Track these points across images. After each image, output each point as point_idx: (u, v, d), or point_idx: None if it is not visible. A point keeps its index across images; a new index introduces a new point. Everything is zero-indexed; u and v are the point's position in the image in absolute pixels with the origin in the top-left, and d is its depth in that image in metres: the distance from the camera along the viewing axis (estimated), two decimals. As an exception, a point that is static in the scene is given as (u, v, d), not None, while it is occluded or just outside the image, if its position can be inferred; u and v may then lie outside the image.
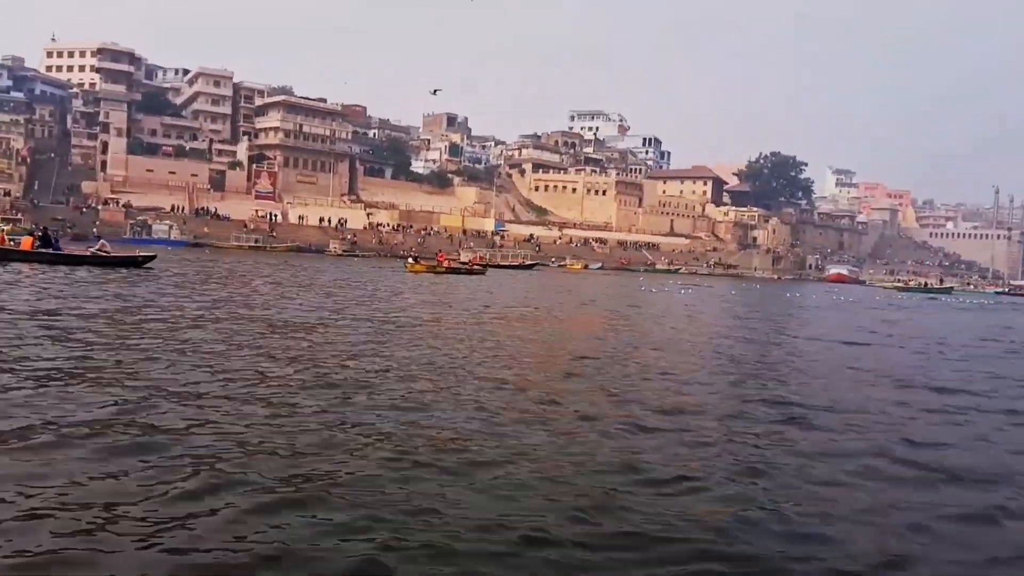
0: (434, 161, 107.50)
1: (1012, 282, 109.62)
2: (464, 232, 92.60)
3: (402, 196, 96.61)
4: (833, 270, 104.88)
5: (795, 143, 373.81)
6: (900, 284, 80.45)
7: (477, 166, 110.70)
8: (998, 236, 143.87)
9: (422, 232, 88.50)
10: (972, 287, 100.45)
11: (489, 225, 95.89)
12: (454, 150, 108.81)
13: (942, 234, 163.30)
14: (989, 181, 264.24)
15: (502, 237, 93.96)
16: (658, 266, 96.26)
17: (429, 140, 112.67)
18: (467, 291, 27.53)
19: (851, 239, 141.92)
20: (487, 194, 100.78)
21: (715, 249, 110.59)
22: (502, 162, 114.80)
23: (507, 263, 62.88)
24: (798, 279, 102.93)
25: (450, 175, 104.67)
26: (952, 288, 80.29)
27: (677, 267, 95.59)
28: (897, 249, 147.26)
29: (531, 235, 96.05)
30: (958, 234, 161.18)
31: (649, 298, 33.21)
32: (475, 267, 52.63)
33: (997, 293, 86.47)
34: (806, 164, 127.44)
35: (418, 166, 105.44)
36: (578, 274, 72.02)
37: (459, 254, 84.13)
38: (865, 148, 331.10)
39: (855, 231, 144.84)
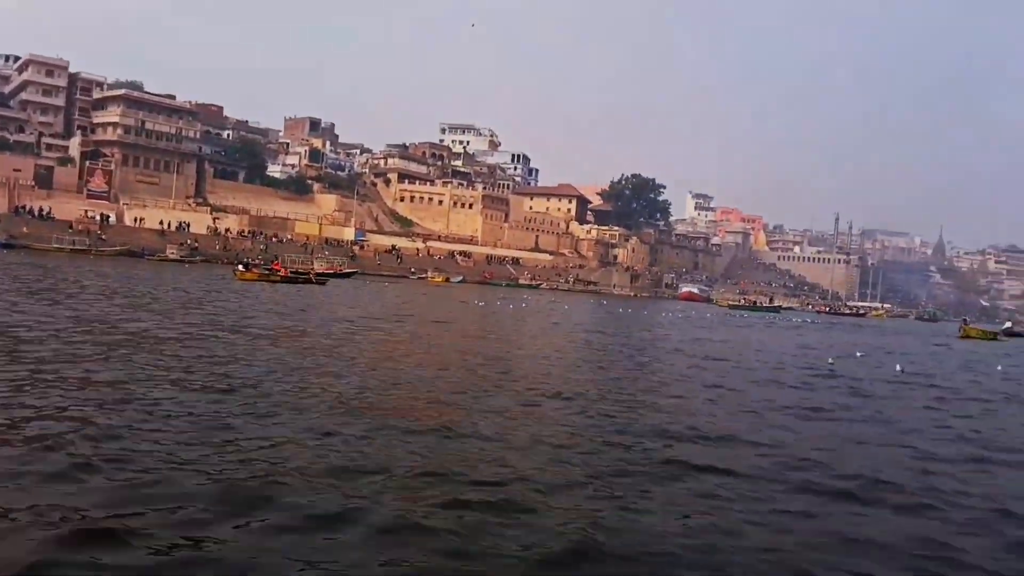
0: (293, 166, 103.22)
1: (832, 303, 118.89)
2: (322, 241, 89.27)
3: (256, 201, 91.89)
4: (684, 288, 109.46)
5: (657, 168, 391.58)
6: (733, 303, 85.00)
7: (340, 173, 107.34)
8: (837, 260, 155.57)
9: (272, 239, 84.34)
10: (811, 307, 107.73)
11: (349, 234, 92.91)
12: (315, 155, 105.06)
13: (789, 257, 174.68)
14: (834, 209, 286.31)
15: (362, 247, 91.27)
16: (521, 281, 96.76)
17: (288, 144, 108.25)
18: (295, 302, 25.55)
19: (705, 260, 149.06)
20: (348, 202, 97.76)
21: (581, 267, 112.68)
22: (367, 171, 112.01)
23: (326, 271, 59.01)
24: (654, 296, 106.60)
25: (309, 181, 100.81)
26: (780, 308, 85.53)
27: (538, 283, 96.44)
28: (748, 270, 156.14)
29: (393, 246, 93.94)
30: (804, 257, 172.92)
31: (475, 312, 32.36)
32: (316, 276, 50.24)
33: (818, 312, 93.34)
34: (664, 187, 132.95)
35: (275, 171, 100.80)
36: (439, 287, 70.96)
37: (312, 263, 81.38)
38: (723, 174, 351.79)
39: (709, 252, 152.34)
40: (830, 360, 18.80)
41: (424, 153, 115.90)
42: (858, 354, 21.81)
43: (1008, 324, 79.98)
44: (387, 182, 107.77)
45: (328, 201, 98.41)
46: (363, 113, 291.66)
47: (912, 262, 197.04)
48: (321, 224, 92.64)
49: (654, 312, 51.90)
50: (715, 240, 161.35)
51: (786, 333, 37.55)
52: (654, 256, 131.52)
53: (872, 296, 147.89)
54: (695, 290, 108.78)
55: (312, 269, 54.73)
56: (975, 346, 40.25)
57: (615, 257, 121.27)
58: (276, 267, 50.00)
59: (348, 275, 61.69)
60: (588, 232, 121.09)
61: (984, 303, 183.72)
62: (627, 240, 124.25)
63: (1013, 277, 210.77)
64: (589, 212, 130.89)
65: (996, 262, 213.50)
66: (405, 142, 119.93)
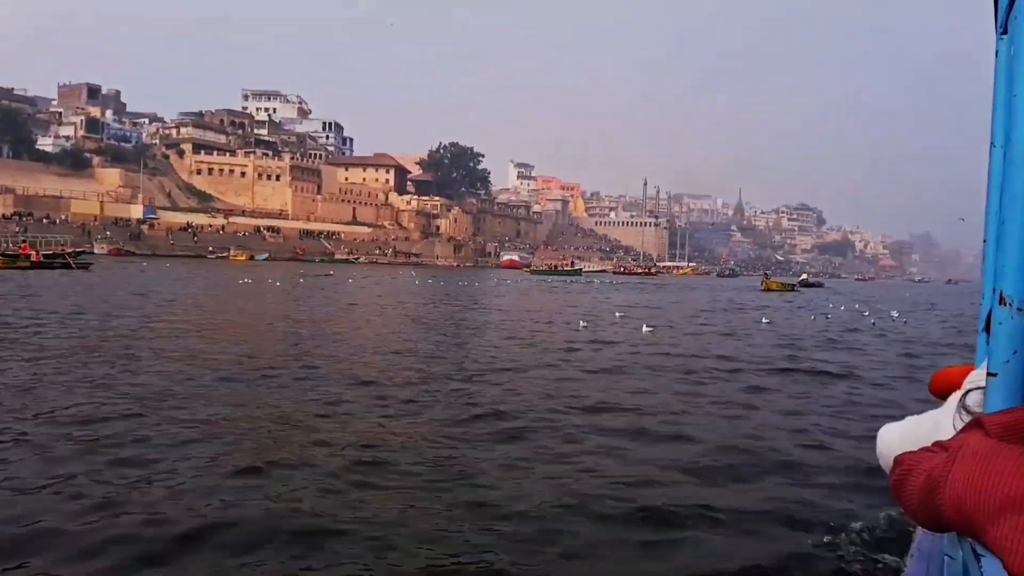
0: (67, 138, 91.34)
1: (644, 263, 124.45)
2: (105, 221, 79.72)
3: (23, 179, 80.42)
4: (506, 257, 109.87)
5: (478, 136, 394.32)
6: (535, 269, 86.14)
7: (125, 145, 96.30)
8: (647, 224, 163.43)
9: (43, 220, 74.01)
10: (623, 269, 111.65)
11: (136, 212, 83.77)
12: (92, 125, 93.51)
13: (606, 222, 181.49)
14: (649, 175, 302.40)
15: (151, 225, 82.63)
16: (337, 256, 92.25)
17: (61, 113, 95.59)
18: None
19: (528, 227, 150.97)
20: (135, 177, 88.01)
21: (406, 239, 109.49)
22: (157, 141, 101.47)
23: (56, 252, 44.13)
24: (476, 266, 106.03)
25: (88, 155, 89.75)
26: (581, 270, 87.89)
27: (356, 257, 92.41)
28: (568, 236, 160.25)
29: (188, 223, 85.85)
30: (619, 222, 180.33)
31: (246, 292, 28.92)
32: (78, 260, 43.80)
33: (614, 273, 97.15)
34: (483, 155, 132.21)
35: (46, 144, 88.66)
36: (241, 266, 65.32)
37: (92, 245, 72.35)
38: (544, 143, 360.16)
39: (531, 220, 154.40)
40: (582, 324, 17.77)
41: (222, 121, 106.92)
42: (618, 315, 21.17)
43: (804, 276, 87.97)
44: (180, 153, 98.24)
45: (111, 176, 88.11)
46: (157, 80, 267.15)
47: (715, 223, 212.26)
48: (103, 202, 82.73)
49: (471, 281, 50.47)
50: (536, 208, 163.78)
51: (562, 296, 37.34)
52: (477, 226, 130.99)
53: (680, 256, 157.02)
54: (516, 258, 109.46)
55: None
56: (767, 297, 42.44)
57: (437, 228, 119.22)
58: (24, 251, 42.96)
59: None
60: (408, 203, 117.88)
61: (779, 258, 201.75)
62: (449, 210, 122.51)
63: (804, 233, 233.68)
64: (409, 183, 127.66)
65: (789, 220, 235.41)
66: (201, 110, 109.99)
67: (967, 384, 1.38)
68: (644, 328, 16.32)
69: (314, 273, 50.34)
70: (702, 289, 54.37)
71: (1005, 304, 1.05)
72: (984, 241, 1.34)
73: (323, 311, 19.88)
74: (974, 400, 1.30)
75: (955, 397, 1.40)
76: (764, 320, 21.73)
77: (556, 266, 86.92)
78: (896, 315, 27.19)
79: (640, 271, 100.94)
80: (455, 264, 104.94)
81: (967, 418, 1.28)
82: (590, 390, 8.76)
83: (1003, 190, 1.06)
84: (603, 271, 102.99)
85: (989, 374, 1.12)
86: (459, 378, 9.29)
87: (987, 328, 1.24)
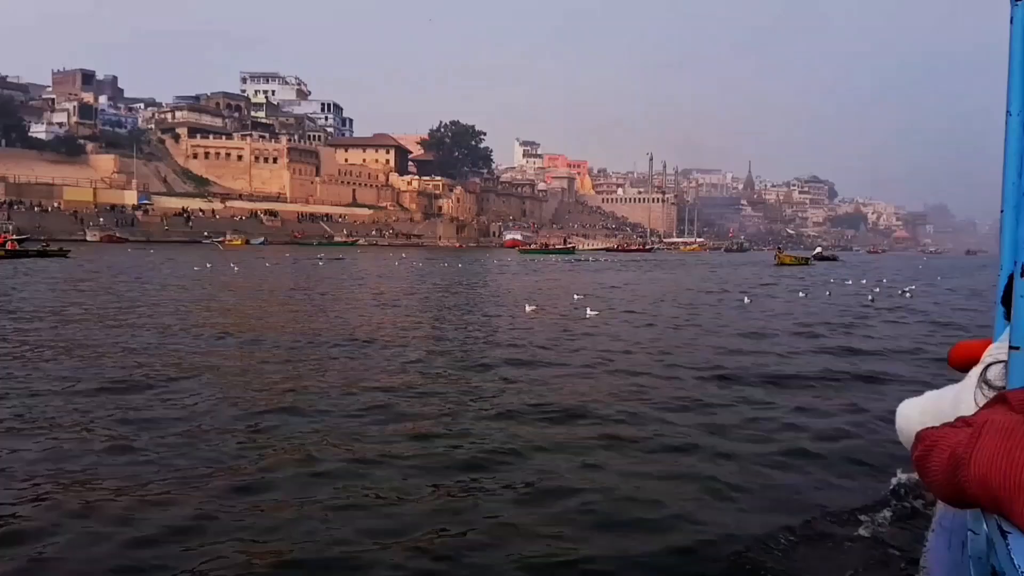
0: (61, 125, 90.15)
1: (648, 240, 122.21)
2: (99, 207, 78.74)
3: (15, 166, 79.34)
4: (509, 236, 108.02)
5: (482, 116, 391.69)
6: (524, 248, 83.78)
7: (119, 131, 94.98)
8: (653, 199, 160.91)
9: (35, 208, 73.12)
10: (629, 245, 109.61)
11: (131, 198, 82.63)
12: (86, 111, 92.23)
13: (613, 199, 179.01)
14: (656, 152, 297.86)
15: (146, 212, 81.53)
16: (337, 238, 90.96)
17: (54, 100, 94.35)
18: None
19: (532, 206, 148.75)
20: (130, 163, 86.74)
21: (408, 220, 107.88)
22: (153, 126, 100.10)
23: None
24: (479, 246, 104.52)
25: (82, 141, 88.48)
26: (574, 248, 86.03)
27: (355, 239, 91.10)
28: (574, 214, 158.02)
29: (183, 208, 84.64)
30: (626, 199, 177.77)
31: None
32: (53, 248, 42.72)
33: (607, 251, 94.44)
34: (484, 133, 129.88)
35: (39, 131, 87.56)
36: (236, 250, 64.19)
37: (85, 233, 71.51)
38: (552, 122, 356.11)
39: (536, 199, 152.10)
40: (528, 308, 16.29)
41: (218, 104, 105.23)
42: (575, 297, 19.64)
43: (819, 249, 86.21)
44: (176, 138, 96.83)
45: (105, 163, 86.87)
46: (156, 66, 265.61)
47: (724, 197, 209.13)
48: (96, 189, 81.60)
49: (463, 263, 49.04)
50: (541, 186, 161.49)
51: (544, 275, 35.89)
52: (481, 205, 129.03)
53: (689, 232, 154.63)
54: (519, 237, 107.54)
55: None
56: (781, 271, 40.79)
57: (440, 208, 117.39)
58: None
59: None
60: (409, 183, 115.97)
61: (790, 231, 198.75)
62: (451, 190, 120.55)
63: (815, 206, 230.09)
64: (411, 163, 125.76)
65: (800, 193, 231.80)
66: (197, 94, 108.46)
67: (987, 357, 1.35)
68: (588, 311, 14.61)
69: (307, 257, 49.02)
70: (703, 265, 52.64)
71: None
72: (1001, 211, 1.29)
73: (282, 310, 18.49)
74: (995, 373, 1.25)
75: (976, 371, 1.36)
76: (746, 300, 20.07)
77: (547, 245, 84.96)
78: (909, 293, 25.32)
79: (635, 248, 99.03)
80: (458, 245, 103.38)
81: (989, 392, 1.24)
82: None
83: (1021, 159, 1.03)
84: (599, 249, 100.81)
85: (1012, 347, 1.07)
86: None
87: (1004, 300, 1.18)
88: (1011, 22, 1.32)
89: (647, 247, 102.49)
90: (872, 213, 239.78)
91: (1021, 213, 1.01)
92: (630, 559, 3.71)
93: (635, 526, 4.12)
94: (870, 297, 21.86)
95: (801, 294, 23.07)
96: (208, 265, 33.50)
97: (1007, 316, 1.09)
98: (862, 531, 4.06)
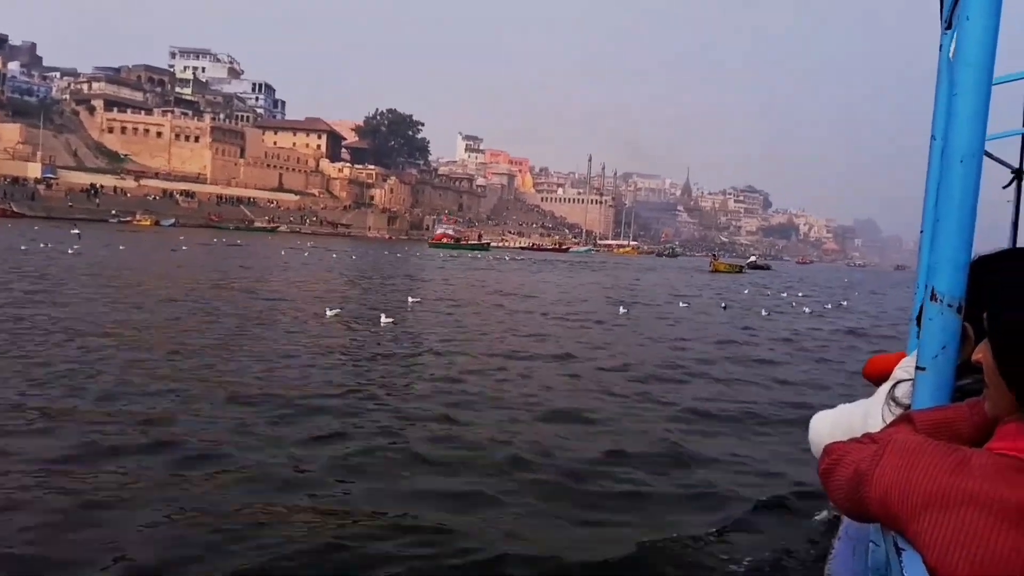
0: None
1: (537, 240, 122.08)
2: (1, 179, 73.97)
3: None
4: (439, 230, 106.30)
5: (426, 107, 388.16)
6: (434, 243, 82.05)
7: (28, 99, 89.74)
8: (591, 201, 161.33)
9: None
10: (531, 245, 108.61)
11: (34, 171, 78.00)
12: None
13: (553, 199, 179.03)
14: (596, 155, 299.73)
15: (49, 185, 77.05)
16: (257, 224, 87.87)
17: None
18: None
19: (470, 201, 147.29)
20: (37, 134, 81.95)
21: (341, 208, 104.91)
22: (67, 96, 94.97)
23: None
24: (409, 239, 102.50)
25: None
26: (488, 245, 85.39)
27: (275, 226, 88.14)
28: (512, 212, 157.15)
29: (91, 184, 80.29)
30: (566, 199, 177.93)
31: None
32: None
33: (521, 249, 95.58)
34: (423, 124, 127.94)
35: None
36: (143, 232, 60.97)
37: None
38: (495, 117, 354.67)
39: (474, 193, 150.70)
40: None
41: (140, 78, 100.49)
42: (410, 300, 18.40)
43: (752, 258, 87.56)
44: (91, 110, 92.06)
45: (10, 132, 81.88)
46: (81, 35, 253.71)
47: (662, 202, 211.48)
48: (-4, 160, 76.73)
49: (371, 255, 47.42)
50: (480, 181, 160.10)
51: (465, 269, 34.76)
52: (416, 198, 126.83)
53: (626, 235, 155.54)
54: (450, 231, 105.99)
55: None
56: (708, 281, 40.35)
57: (372, 198, 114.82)
58: None
59: None
60: (341, 171, 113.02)
61: (724, 239, 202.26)
62: (385, 180, 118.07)
63: (749, 215, 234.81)
64: (344, 150, 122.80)
65: (735, 201, 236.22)
66: (118, 66, 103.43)
67: (895, 375, 1.38)
68: (383, 319, 13.12)
69: (203, 242, 46.46)
70: (623, 268, 52.08)
71: (936, 300, 1.05)
72: (921, 232, 1.28)
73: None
74: (903, 391, 1.27)
75: (885, 387, 1.40)
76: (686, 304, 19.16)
77: (457, 239, 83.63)
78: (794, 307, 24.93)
79: (551, 248, 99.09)
80: (388, 237, 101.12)
81: (896, 409, 1.28)
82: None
83: (939, 187, 1.04)
84: (516, 248, 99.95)
85: (918, 368, 1.10)
86: None
87: (919, 320, 1.20)
88: (939, 48, 1.32)
89: (563, 247, 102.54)
90: (804, 224, 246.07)
91: (936, 239, 1.04)
92: None
93: None
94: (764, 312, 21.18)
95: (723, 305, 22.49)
96: (76, 247, 30.95)
97: (920, 336, 1.11)
98: (769, 536, 4.24)
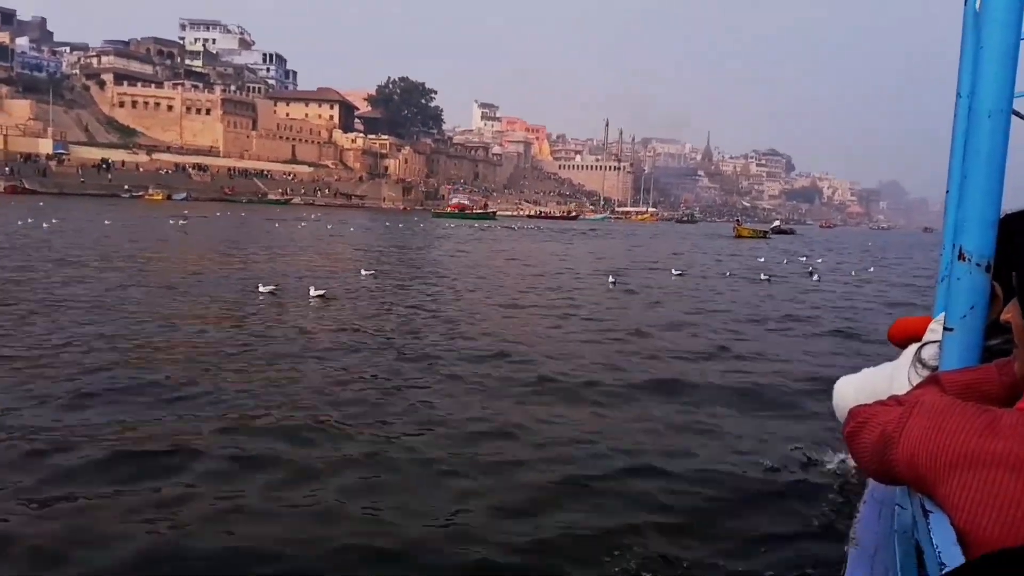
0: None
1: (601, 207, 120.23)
2: (7, 155, 73.89)
3: (-81, 110, 74.22)
4: (454, 200, 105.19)
5: (440, 75, 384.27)
6: (438, 212, 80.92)
7: (38, 75, 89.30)
8: (609, 168, 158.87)
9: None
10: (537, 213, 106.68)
11: (45, 147, 77.84)
12: (1, 53, 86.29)
13: (571, 166, 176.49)
14: (614, 119, 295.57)
15: (61, 161, 76.91)
16: (271, 196, 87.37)
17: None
18: None
19: (486, 170, 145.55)
20: (47, 109, 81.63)
21: (355, 180, 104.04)
22: (78, 71, 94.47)
23: None
24: (424, 209, 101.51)
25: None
26: (494, 213, 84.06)
27: (288, 198, 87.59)
28: (530, 180, 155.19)
29: (102, 160, 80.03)
30: (584, 166, 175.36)
31: None
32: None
33: (527, 217, 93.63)
34: (435, 92, 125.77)
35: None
36: (155, 206, 60.69)
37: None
38: (512, 84, 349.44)
39: (490, 162, 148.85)
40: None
41: (149, 51, 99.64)
42: (364, 273, 17.53)
43: (777, 223, 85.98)
44: (101, 85, 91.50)
45: (20, 108, 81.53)
46: (92, 8, 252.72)
47: (682, 167, 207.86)
48: (7, 136, 76.51)
49: (374, 226, 46.52)
50: (496, 150, 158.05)
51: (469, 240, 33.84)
52: (431, 167, 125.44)
53: (645, 201, 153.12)
54: (466, 201, 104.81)
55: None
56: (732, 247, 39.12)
57: (386, 168, 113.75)
58: None
59: None
60: (354, 141, 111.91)
61: (746, 204, 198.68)
62: (399, 150, 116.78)
63: (772, 179, 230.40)
64: (357, 120, 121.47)
65: (757, 165, 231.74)
66: (127, 39, 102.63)
67: (925, 337, 1.36)
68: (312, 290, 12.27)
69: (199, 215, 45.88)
70: (632, 236, 50.67)
71: (964, 259, 1.04)
72: (947, 192, 1.27)
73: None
74: (930, 353, 1.27)
75: (911, 350, 1.38)
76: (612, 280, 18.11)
77: (465, 208, 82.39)
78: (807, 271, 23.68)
79: (560, 216, 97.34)
80: (403, 207, 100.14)
81: (922, 371, 1.28)
82: None
83: (967, 144, 1.03)
84: (523, 216, 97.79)
85: (946, 328, 1.09)
86: None
87: (947, 280, 1.20)
88: (964, 4, 1.30)
89: (572, 215, 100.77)
90: (828, 188, 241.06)
91: (963, 198, 1.02)
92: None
93: None
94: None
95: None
96: (54, 222, 30.04)
97: (947, 296, 1.10)
98: (798, 502, 4.30)
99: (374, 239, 32.91)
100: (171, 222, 34.59)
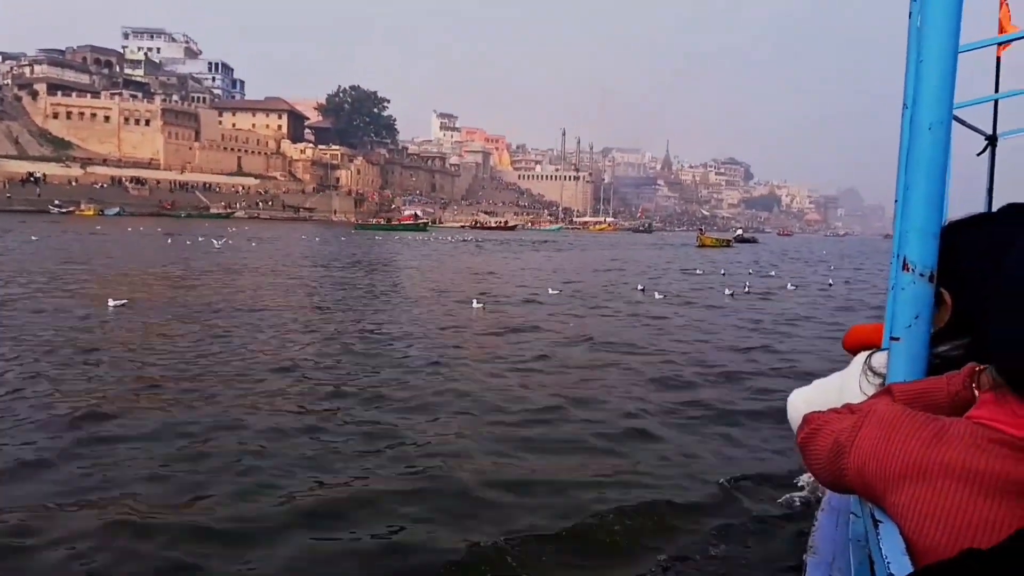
0: None
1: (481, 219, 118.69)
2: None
3: None
4: (407, 212, 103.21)
5: (396, 85, 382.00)
6: (361, 223, 79.38)
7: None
8: (568, 177, 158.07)
9: None
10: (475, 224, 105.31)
11: (-31, 160, 74.16)
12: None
13: (531, 176, 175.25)
14: (573, 129, 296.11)
15: (-15, 176, 73.23)
16: (213, 210, 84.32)
17: None
18: None
19: (443, 181, 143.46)
20: (-26, 121, 77.92)
21: (300, 192, 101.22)
22: (9, 81, 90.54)
23: None
24: (379, 221, 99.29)
25: (-85, 94, 78.95)
26: (427, 225, 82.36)
27: (230, 211, 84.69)
28: (488, 191, 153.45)
29: (30, 174, 76.42)
30: (543, 176, 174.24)
31: None
32: None
33: (462, 227, 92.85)
34: (388, 101, 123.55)
35: None
36: (84, 222, 57.43)
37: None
38: (472, 94, 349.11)
39: (447, 173, 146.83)
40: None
41: (85, 59, 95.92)
42: None
43: (739, 231, 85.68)
44: (34, 95, 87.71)
45: (-57, 120, 77.73)
46: (29, 17, 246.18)
47: (641, 177, 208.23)
48: (-75, 149, 72.70)
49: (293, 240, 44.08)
50: (455, 160, 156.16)
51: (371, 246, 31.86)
52: (385, 179, 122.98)
53: (604, 211, 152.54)
54: (419, 213, 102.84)
55: None
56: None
57: (337, 179, 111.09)
58: None
59: None
60: (303, 152, 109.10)
61: (705, 212, 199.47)
62: (351, 160, 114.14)
63: (731, 187, 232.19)
64: (308, 130, 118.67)
65: (716, 174, 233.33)
66: (65, 47, 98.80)
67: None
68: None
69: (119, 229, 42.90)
70: (586, 250, 48.55)
71: (908, 270, 1.05)
72: (895, 202, 1.28)
73: None
74: (879, 361, 1.28)
75: (860, 357, 1.39)
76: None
77: (388, 219, 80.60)
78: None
79: (494, 227, 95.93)
80: (354, 220, 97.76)
81: (873, 379, 1.29)
82: None
83: (908, 155, 1.04)
84: (460, 227, 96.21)
85: (892, 338, 1.11)
86: None
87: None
88: (909, 15, 1.30)
89: (508, 226, 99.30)
90: (786, 195, 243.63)
91: (905, 208, 1.03)
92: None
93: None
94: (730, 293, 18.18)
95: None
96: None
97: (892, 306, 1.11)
98: (759, 508, 4.26)
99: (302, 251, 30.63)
100: (33, 238, 31.68)
